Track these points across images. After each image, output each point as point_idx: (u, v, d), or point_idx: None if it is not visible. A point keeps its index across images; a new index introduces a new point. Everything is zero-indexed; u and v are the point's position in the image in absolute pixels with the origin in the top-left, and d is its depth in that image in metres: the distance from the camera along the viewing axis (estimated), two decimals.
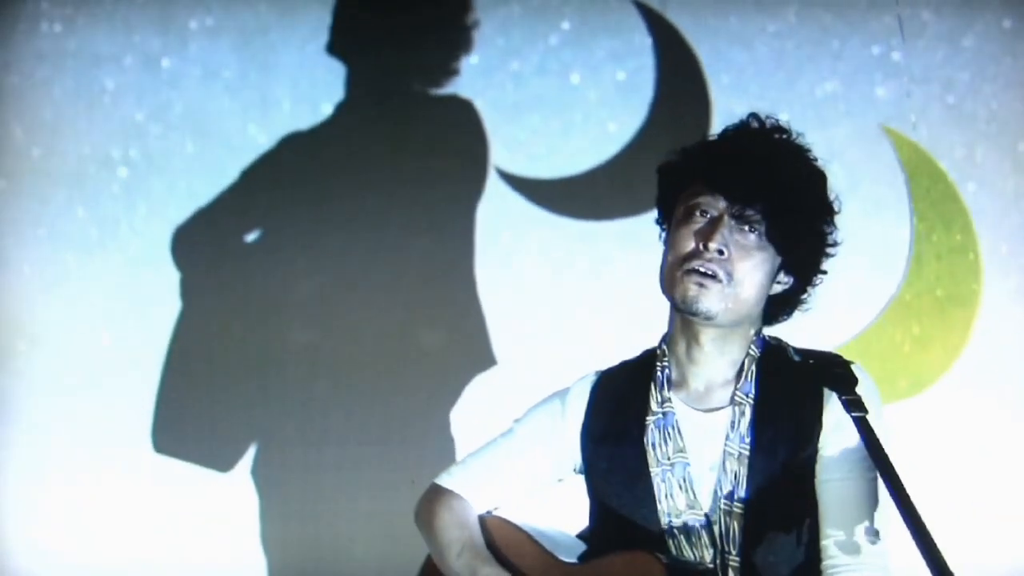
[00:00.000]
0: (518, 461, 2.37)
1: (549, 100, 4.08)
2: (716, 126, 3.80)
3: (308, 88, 4.14)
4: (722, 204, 2.20)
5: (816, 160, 2.26)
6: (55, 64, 4.12)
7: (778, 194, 2.18)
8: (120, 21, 4.13)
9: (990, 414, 3.81)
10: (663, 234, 2.33)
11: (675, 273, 2.21)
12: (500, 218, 4.05)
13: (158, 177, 4.13)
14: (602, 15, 4.08)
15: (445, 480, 2.39)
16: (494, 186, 4.05)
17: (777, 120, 2.27)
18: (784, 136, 2.25)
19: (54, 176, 4.14)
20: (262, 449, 4.01)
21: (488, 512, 2.38)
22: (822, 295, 3.62)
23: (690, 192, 2.24)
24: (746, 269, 2.18)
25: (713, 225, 2.19)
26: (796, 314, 2.34)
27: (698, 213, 2.21)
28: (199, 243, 4.09)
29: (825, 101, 3.99)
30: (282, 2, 4.14)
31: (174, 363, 4.04)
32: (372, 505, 3.63)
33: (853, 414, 2.00)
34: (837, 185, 2.27)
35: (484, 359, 3.97)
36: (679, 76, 4.03)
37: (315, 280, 4.07)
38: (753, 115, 2.27)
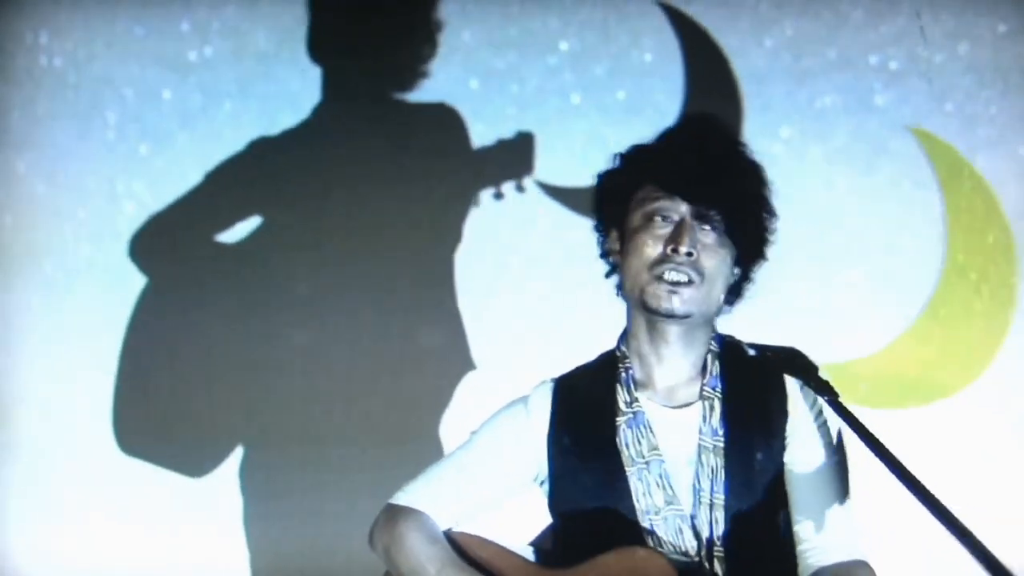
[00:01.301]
0: (481, 472, 2.32)
1: (550, 121, 4.08)
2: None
3: (310, 115, 4.15)
4: (684, 207, 2.21)
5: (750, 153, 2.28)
6: (56, 98, 4.15)
7: (738, 191, 2.21)
8: (119, 54, 4.14)
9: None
10: (602, 239, 2.35)
11: (643, 278, 2.22)
12: (501, 219, 4.03)
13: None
14: (601, 35, 4.09)
15: (403, 499, 2.33)
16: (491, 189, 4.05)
17: (710, 116, 2.32)
18: (723, 131, 2.31)
19: (59, 211, 4.15)
20: (261, 450, 4.02)
21: (449, 529, 2.32)
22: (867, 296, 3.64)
23: (644, 197, 2.25)
24: (714, 266, 2.22)
25: (680, 229, 2.20)
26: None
27: (659, 218, 2.22)
28: (199, 245, 4.10)
29: (824, 112, 3.98)
30: (281, 31, 4.16)
31: (174, 365, 4.06)
32: (372, 505, 3.60)
33: (826, 398, 2.05)
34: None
35: (484, 360, 3.97)
36: (707, 77, 4.03)
37: (315, 280, 4.07)
38: (695, 115, 2.30)
